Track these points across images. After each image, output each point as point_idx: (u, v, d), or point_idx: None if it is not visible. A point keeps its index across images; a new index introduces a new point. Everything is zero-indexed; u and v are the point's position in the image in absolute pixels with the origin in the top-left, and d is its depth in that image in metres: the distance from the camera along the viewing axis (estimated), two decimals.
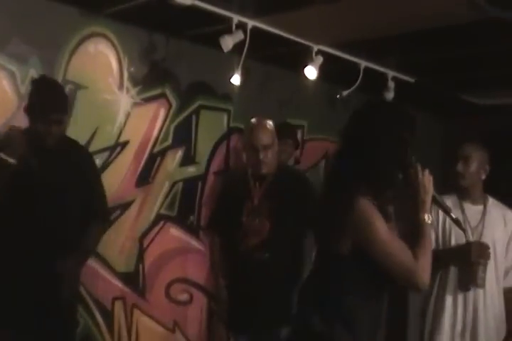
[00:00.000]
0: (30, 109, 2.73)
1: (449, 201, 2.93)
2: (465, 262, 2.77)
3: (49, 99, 2.70)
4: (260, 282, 3.05)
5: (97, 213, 3.01)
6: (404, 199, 1.99)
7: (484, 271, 2.75)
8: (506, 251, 2.91)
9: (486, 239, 2.85)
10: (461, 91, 5.18)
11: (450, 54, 4.12)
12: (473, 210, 2.93)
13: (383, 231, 1.86)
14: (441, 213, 2.89)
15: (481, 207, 2.93)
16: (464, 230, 2.70)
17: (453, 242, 2.91)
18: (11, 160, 2.52)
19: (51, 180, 2.73)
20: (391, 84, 4.50)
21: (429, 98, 5.23)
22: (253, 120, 3.22)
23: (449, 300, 2.87)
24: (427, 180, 1.96)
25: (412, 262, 1.85)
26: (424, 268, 1.85)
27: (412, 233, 1.92)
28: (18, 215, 2.70)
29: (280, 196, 3.08)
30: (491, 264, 2.82)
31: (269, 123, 3.18)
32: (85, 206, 2.90)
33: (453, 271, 2.88)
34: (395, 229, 1.95)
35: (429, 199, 1.96)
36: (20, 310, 2.68)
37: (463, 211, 2.93)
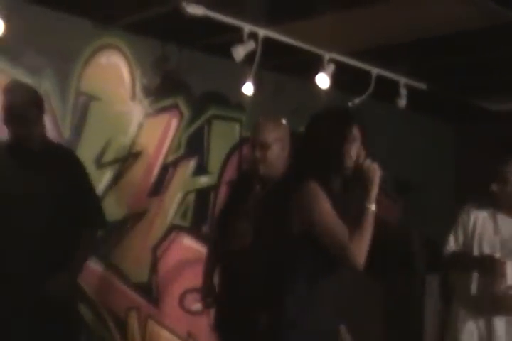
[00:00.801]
0: (5, 112, 2.68)
1: (484, 211, 2.93)
2: (481, 274, 2.75)
3: (21, 99, 2.67)
4: (235, 289, 2.84)
5: (89, 220, 2.86)
6: (353, 190, 2.13)
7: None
8: None
9: None
10: (474, 97, 5.15)
11: (462, 59, 4.10)
12: (507, 222, 2.89)
13: (325, 209, 2.00)
14: (480, 217, 2.88)
15: None
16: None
17: (485, 247, 2.87)
18: None
19: (33, 186, 2.64)
20: (403, 91, 4.48)
21: (441, 104, 5.20)
22: (264, 117, 2.98)
23: (470, 306, 2.83)
24: (372, 171, 2.05)
25: (347, 241, 1.97)
26: (359, 250, 1.97)
27: (356, 219, 2.04)
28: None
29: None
30: None
31: (279, 121, 2.91)
32: (75, 215, 2.73)
33: (475, 278, 2.85)
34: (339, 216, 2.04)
35: (373, 188, 2.04)
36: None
37: (495, 221, 2.89)
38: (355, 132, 2.08)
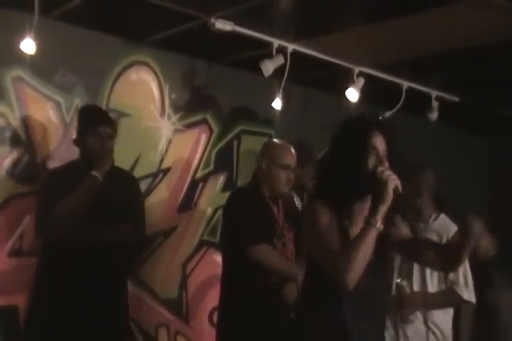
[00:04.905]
0: (81, 128, 2.92)
1: None
2: None
3: (95, 115, 2.95)
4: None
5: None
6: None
7: None
8: None
9: None
10: (508, 109, 5.04)
11: (495, 71, 4.02)
12: None
13: (318, 227, 1.93)
14: None
15: None
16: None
17: None
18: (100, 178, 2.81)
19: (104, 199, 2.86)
20: (435, 104, 4.41)
21: (474, 117, 5.11)
22: (276, 140, 3.27)
23: None
24: (384, 183, 1.88)
25: (335, 258, 1.87)
26: (348, 267, 1.83)
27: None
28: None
29: (295, 220, 2.98)
30: None
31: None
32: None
33: None
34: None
35: (382, 207, 1.88)
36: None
37: None
38: (376, 142, 1.95)
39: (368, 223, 1.88)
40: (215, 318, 3.96)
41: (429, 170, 3.10)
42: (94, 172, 2.78)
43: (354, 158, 1.93)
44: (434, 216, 3.00)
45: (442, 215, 3.02)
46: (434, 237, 2.93)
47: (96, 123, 2.88)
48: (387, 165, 1.93)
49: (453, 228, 2.95)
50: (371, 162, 1.93)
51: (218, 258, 4.02)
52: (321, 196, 1.98)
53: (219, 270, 3.98)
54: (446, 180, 5.15)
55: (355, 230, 1.95)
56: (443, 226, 2.96)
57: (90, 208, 2.76)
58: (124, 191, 2.97)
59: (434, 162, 5.10)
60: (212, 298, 3.97)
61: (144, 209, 3.15)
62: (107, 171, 2.84)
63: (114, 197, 2.89)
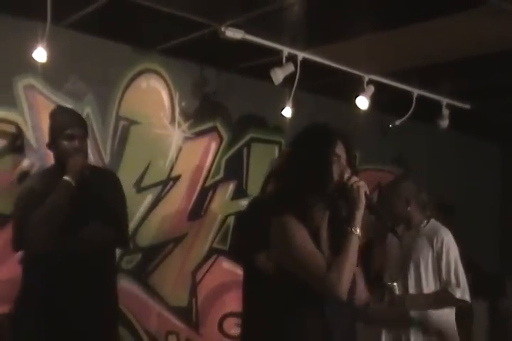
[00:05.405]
0: (52, 131, 2.79)
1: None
2: None
3: (66, 117, 2.81)
4: None
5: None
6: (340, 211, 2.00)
7: None
8: None
9: None
10: None
11: (506, 79, 4.01)
12: None
13: (297, 243, 1.88)
14: None
15: None
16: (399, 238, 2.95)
17: None
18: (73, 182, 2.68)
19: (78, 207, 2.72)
20: (445, 112, 4.39)
21: (485, 124, 5.08)
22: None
23: None
24: (356, 190, 1.88)
25: (323, 271, 1.83)
26: (338, 279, 1.82)
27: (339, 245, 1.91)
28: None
29: None
30: None
31: None
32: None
33: None
34: (326, 243, 1.95)
35: (358, 213, 1.88)
36: None
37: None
38: (339, 150, 1.94)
39: (349, 232, 1.87)
40: (224, 326, 4.00)
41: (408, 181, 3.15)
42: (66, 177, 2.69)
43: (320, 166, 1.91)
44: (425, 222, 3.08)
45: (432, 220, 3.10)
46: (424, 241, 3.03)
47: (67, 125, 2.76)
48: (349, 171, 1.94)
49: (442, 230, 3.04)
50: (336, 170, 1.92)
51: (228, 265, 4.03)
52: (286, 208, 1.93)
53: (229, 277, 4.01)
54: (457, 187, 5.17)
55: (324, 239, 1.95)
56: (433, 231, 3.04)
57: (68, 213, 2.66)
58: (102, 191, 2.85)
59: (445, 169, 5.13)
60: (223, 306, 3.99)
61: (125, 208, 3.02)
62: (84, 172, 2.74)
63: (91, 198, 2.78)
